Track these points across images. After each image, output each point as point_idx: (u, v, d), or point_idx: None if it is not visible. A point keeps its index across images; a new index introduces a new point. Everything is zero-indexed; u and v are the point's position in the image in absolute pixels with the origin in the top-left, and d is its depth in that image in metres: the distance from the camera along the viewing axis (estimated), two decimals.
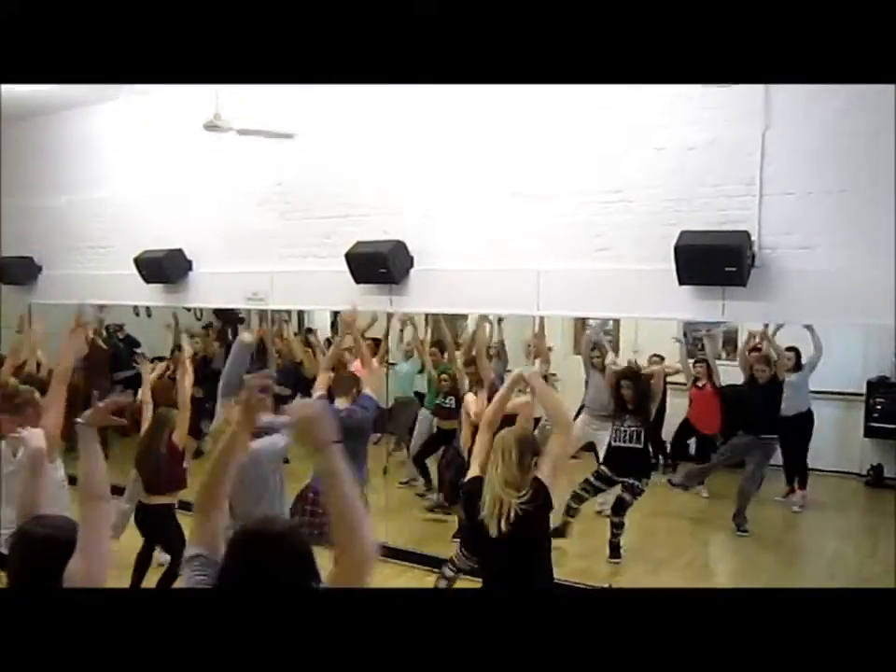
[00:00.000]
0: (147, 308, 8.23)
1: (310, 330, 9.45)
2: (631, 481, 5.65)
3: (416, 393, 8.07)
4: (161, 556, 5.19)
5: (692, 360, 7.18)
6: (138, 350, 7.96)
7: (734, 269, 4.27)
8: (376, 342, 7.65)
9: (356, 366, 7.00)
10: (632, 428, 5.69)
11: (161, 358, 8.54)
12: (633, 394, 5.70)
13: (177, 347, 6.91)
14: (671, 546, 6.33)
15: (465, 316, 8.05)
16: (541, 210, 5.10)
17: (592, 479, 5.82)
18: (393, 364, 8.18)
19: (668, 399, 6.99)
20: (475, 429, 4.09)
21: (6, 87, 6.60)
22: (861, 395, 7.34)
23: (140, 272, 7.00)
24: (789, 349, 6.76)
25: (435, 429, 7.11)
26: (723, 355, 7.87)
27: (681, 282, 4.46)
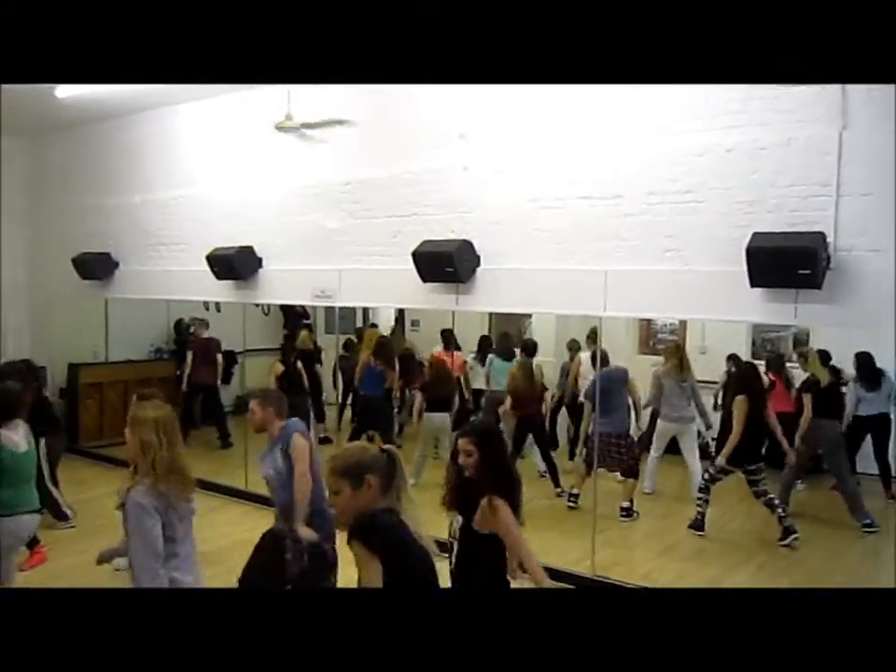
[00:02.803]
0: (217, 303, 8.46)
1: (374, 325, 9.62)
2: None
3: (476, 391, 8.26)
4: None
5: None
6: None
7: (808, 271, 4.18)
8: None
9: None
10: None
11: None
12: None
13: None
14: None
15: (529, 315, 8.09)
16: (610, 210, 5.09)
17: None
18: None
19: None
20: None
21: (85, 89, 6.83)
22: None
23: (212, 268, 7.20)
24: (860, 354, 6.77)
25: None
26: (794, 357, 7.73)
27: (753, 284, 4.40)
